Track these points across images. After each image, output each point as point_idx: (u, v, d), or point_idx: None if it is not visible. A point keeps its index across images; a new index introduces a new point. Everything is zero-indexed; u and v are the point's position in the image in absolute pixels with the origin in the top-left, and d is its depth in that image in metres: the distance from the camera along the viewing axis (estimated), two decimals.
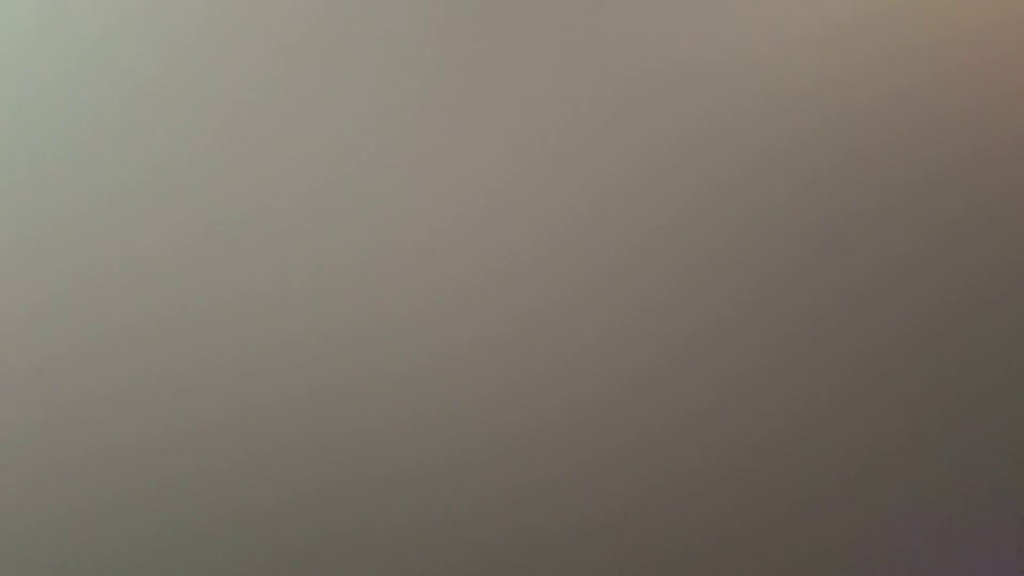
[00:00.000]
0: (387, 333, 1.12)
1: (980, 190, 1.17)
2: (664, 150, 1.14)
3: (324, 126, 1.12)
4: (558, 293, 1.13)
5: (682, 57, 1.15)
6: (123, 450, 1.10)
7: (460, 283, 1.13)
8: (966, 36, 1.17)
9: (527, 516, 1.13)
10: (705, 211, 1.14)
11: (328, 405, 1.12)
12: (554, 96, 1.13)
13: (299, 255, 1.11)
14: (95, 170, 1.10)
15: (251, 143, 1.11)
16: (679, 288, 1.14)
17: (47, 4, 1.10)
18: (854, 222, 1.15)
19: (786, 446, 1.15)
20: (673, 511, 1.14)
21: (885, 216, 1.16)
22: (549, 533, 1.13)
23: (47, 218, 1.10)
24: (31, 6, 1.10)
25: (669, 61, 1.15)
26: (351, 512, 1.12)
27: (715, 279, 1.14)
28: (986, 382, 1.16)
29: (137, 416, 1.10)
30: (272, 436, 1.11)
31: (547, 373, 1.13)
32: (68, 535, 1.10)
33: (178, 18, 1.11)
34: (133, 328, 1.10)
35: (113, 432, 1.10)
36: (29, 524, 1.10)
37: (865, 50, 1.16)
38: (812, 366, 1.15)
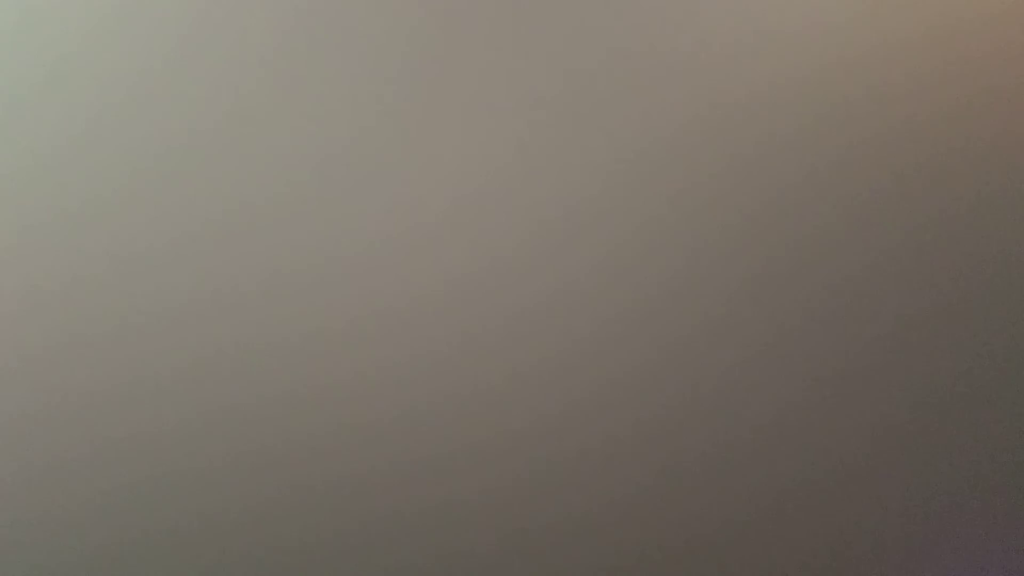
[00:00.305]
0: (376, 327, 1.12)
1: (975, 183, 1.17)
2: (655, 143, 1.14)
3: (310, 120, 1.12)
4: (549, 287, 1.13)
5: (672, 49, 1.15)
6: (113, 445, 1.10)
7: (448, 277, 1.12)
8: (962, 27, 1.17)
9: (520, 510, 1.13)
10: (696, 205, 1.14)
11: (317, 400, 1.11)
12: (543, 88, 1.13)
13: (288, 250, 1.11)
14: (82, 166, 1.10)
15: (237, 138, 1.11)
16: (670, 281, 1.14)
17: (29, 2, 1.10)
18: (848, 214, 1.15)
19: (778, 441, 1.15)
20: (665, 505, 1.14)
21: (878, 209, 1.16)
22: (542, 527, 1.13)
23: (35, 215, 1.10)
24: (13, 5, 1.10)
25: (658, 53, 1.15)
26: (342, 507, 1.12)
27: (707, 272, 1.14)
28: (982, 375, 1.16)
29: (126, 412, 1.10)
30: (264, 431, 1.11)
31: (538, 367, 1.13)
32: (57, 531, 1.10)
33: (165, 13, 1.11)
34: (121, 324, 1.10)
35: (103, 428, 1.10)
36: (18, 519, 1.09)
37: (857, 42, 1.16)
38: (804, 360, 1.15)
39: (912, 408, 1.16)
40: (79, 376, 1.10)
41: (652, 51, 1.14)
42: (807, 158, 1.15)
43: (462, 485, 1.12)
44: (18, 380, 1.09)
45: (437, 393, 1.12)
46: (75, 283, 1.10)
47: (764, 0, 1.16)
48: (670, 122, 1.14)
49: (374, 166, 1.12)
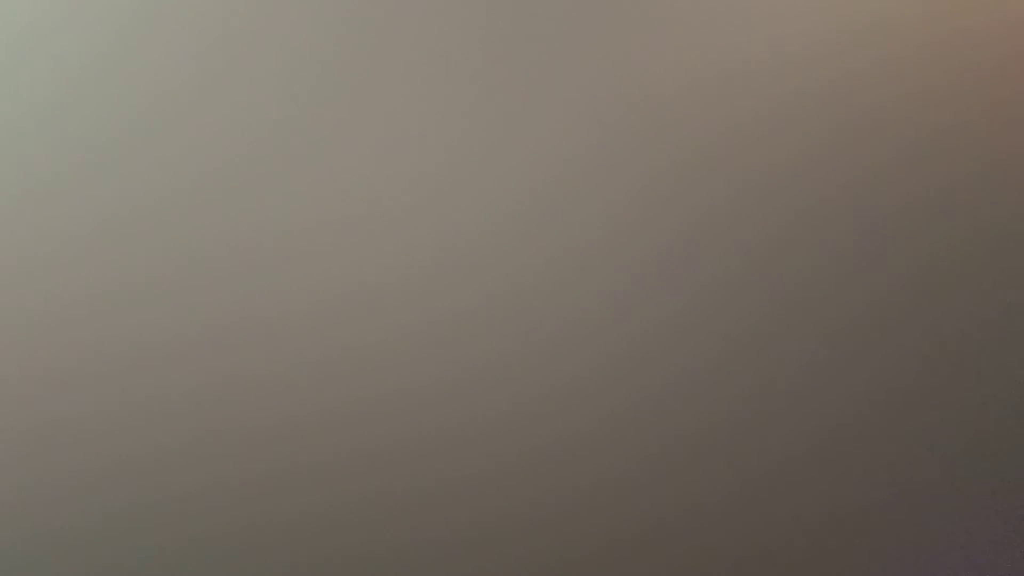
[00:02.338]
0: (397, 351, 1.12)
1: (997, 193, 1.16)
2: (627, 126, 1.14)
3: (329, 151, 1.11)
4: (576, 307, 1.13)
5: (694, 64, 1.14)
6: (127, 463, 1.10)
7: (419, 261, 1.12)
8: (977, 39, 1.17)
9: (538, 531, 1.13)
10: (721, 221, 1.14)
11: (334, 422, 1.11)
12: (570, 107, 1.13)
13: (309, 276, 1.11)
14: (94, 190, 1.10)
15: (250, 168, 1.11)
16: (648, 268, 1.13)
17: (41, 23, 1.09)
18: (875, 226, 1.15)
19: (761, 427, 1.14)
20: (649, 491, 1.14)
21: (906, 221, 1.15)
22: (565, 548, 1.13)
23: (46, 237, 1.09)
24: (27, 22, 1.09)
25: (682, 69, 1.14)
26: (358, 528, 1.12)
27: (687, 258, 1.14)
28: (972, 365, 1.16)
29: (141, 430, 1.11)
30: (280, 451, 1.11)
31: (564, 387, 1.13)
32: (71, 547, 1.10)
33: (181, 35, 1.10)
34: (137, 347, 1.10)
35: (117, 445, 1.10)
36: (33, 534, 1.10)
37: (871, 58, 1.15)
38: (784, 346, 1.14)
39: (904, 394, 1.16)
40: (93, 396, 1.10)
41: (676, 70, 1.14)
42: (786, 144, 1.15)
43: (480, 506, 1.12)
44: (32, 398, 1.09)
45: (456, 416, 1.12)
46: (89, 305, 1.10)
47: (782, 21, 1.15)
48: (694, 140, 1.14)
49: (399, 193, 1.12)
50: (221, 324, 1.10)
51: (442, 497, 1.12)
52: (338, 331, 1.11)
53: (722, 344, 1.14)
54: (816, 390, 1.14)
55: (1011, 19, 1.16)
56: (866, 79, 1.15)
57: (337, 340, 1.11)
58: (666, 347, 1.13)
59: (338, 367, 1.11)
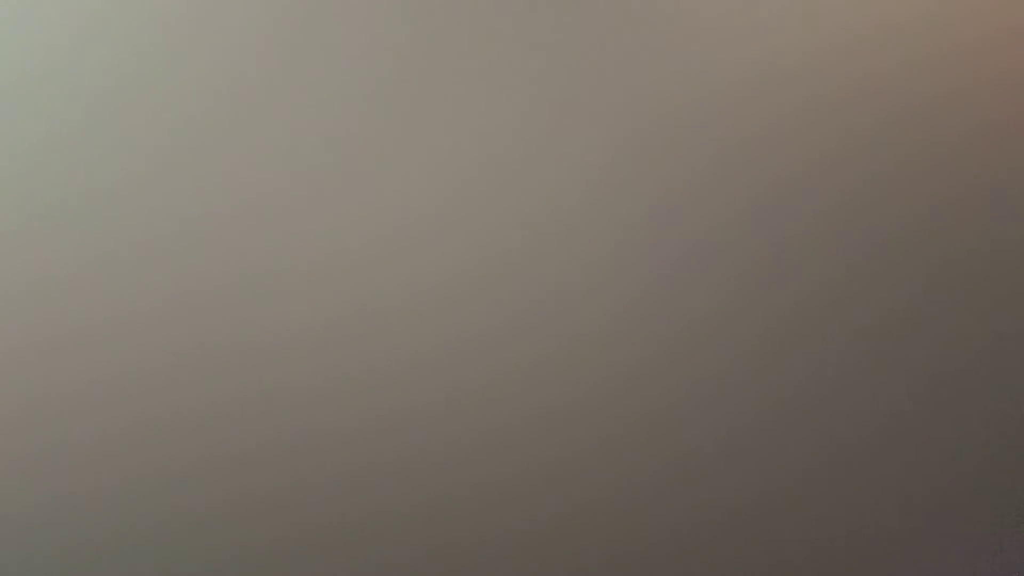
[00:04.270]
0: (371, 325, 1.12)
1: (994, 201, 1.16)
2: (643, 139, 1.14)
3: (306, 117, 1.12)
4: (543, 285, 1.13)
5: (711, 74, 1.14)
6: (113, 438, 1.10)
7: (442, 276, 1.12)
8: (991, 45, 1.16)
9: (515, 507, 1.12)
10: (686, 200, 1.14)
11: (316, 396, 1.12)
12: (534, 86, 1.13)
13: (287, 246, 1.11)
14: (82, 158, 1.10)
15: (232, 134, 1.11)
16: (663, 280, 1.13)
17: (83, 40, 1.11)
18: (892, 232, 1.14)
19: (773, 436, 1.14)
20: (658, 501, 1.13)
21: (922, 227, 1.15)
22: (536, 524, 1.12)
23: (37, 207, 1.10)
24: (68, 37, 1.11)
25: (699, 79, 1.14)
26: (340, 502, 1.12)
27: (699, 270, 1.14)
28: (982, 372, 1.15)
29: (128, 404, 1.11)
30: (264, 426, 1.11)
31: (533, 365, 1.13)
32: (58, 523, 1.10)
33: (156, 11, 1.11)
34: (124, 316, 1.10)
35: (104, 420, 1.10)
36: (23, 509, 1.10)
37: (878, 64, 1.15)
38: (797, 355, 1.14)
39: (915, 401, 1.15)
40: (79, 369, 1.10)
41: (643, 45, 1.14)
42: (800, 151, 1.15)
43: (459, 481, 1.12)
44: (17, 372, 1.10)
45: (434, 391, 1.12)
46: (79, 274, 1.10)
47: (772, 27, 1.15)
48: (660, 117, 1.14)
49: (369, 165, 1.12)
50: (252, 340, 1.11)
51: (452, 510, 1.12)
52: (369, 345, 1.11)
53: (740, 353, 1.13)
54: (829, 399, 1.14)
55: (1020, 26, 1.16)
56: (882, 84, 1.15)
57: (370, 354, 1.12)
58: (684, 357, 1.13)
59: (350, 384, 1.11)
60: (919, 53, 1.15)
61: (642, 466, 1.13)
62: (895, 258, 1.15)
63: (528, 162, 1.13)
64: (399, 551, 1.12)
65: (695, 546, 1.13)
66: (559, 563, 1.13)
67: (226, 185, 1.11)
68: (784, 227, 1.14)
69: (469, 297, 1.12)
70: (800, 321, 1.14)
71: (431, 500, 1.12)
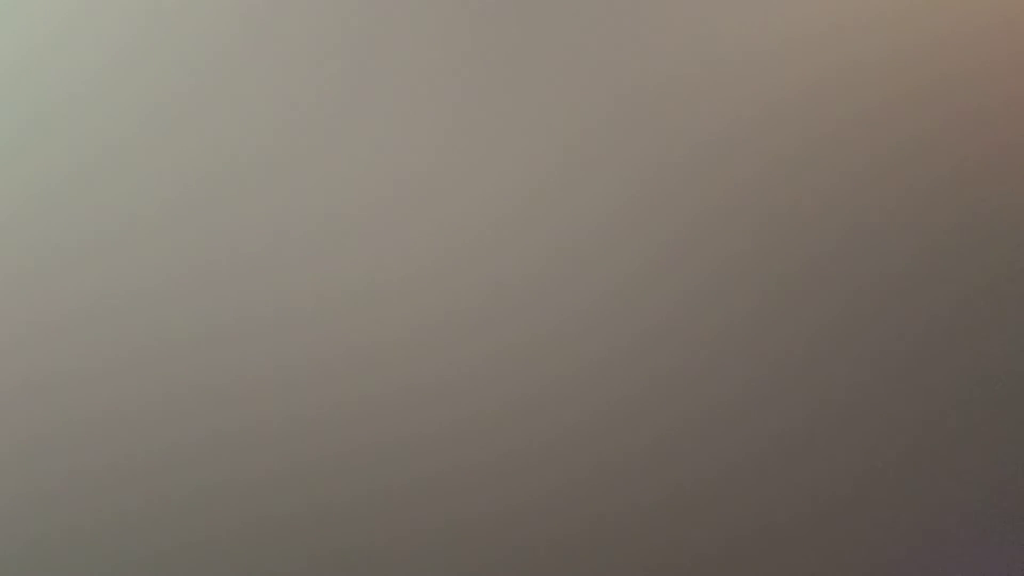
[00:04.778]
0: (404, 346, 1.11)
1: (991, 192, 1.16)
2: (679, 156, 1.13)
3: (337, 151, 1.11)
4: (575, 302, 1.12)
5: (693, 62, 1.13)
6: (131, 464, 1.10)
7: (475, 297, 1.12)
8: (983, 32, 1.16)
9: (542, 523, 1.12)
10: (721, 216, 1.14)
11: (341, 419, 1.11)
12: (567, 106, 1.12)
13: (314, 275, 1.10)
14: (105, 191, 1.09)
15: (262, 167, 1.10)
16: (691, 297, 1.13)
17: (49, 30, 1.09)
18: (870, 223, 1.14)
19: (800, 449, 1.14)
20: (688, 513, 1.14)
21: (900, 219, 1.15)
22: (565, 538, 1.12)
23: (59, 239, 1.09)
24: (35, 29, 1.09)
25: (680, 66, 1.13)
26: (361, 524, 1.12)
27: (731, 284, 1.14)
28: (997, 386, 1.16)
29: (147, 430, 1.10)
30: (287, 449, 1.11)
31: (567, 379, 1.13)
32: (74, 548, 1.10)
33: (184, 41, 1.10)
34: (145, 347, 1.10)
35: (121, 447, 1.10)
36: (36, 536, 1.09)
37: (871, 51, 1.15)
38: (826, 369, 1.14)
39: (937, 416, 1.15)
40: (99, 397, 1.10)
41: (674, 66, 1.13)
42: (829, 169, 1.14)
43: (487, 498, 1.12)
44: (38, 399, 1.09)
45: (463, 409, 1.12)
46: (99, 305, 1.09)
47: (781, 13, 1.14)
48: (695, 136, 1.14)
49: (399, 191, 1.11)
50: (223, 323, 1.10)
51: (443, 491, 1.12)
52: (340, 329, 1.11)
53: (721, 337, 1.13)
54: (811, 384, 1.14)
55: (1014, 14, 1.16)
56: (871, 72, 1.15)
57: (340, 338, 1.11)
58: (666, 340, 1.13)
59: (339, 365, 1.11)
60: (913, 38, 1.15)
61: (628, 445, 1.14)
62: (884, 243, 1.15)
63: (500, 142, 1.12)
64: (388, 534, 1.12)
65: (678, 524, 1.14)
66: (552, 540, 1.13)
67: (192, 168, 1.10)
68: (768, 213, 1.14)
69: (444, 280, 1.12)
70: (788, 305, 1.14)
71: (463, 517, 1.12)
